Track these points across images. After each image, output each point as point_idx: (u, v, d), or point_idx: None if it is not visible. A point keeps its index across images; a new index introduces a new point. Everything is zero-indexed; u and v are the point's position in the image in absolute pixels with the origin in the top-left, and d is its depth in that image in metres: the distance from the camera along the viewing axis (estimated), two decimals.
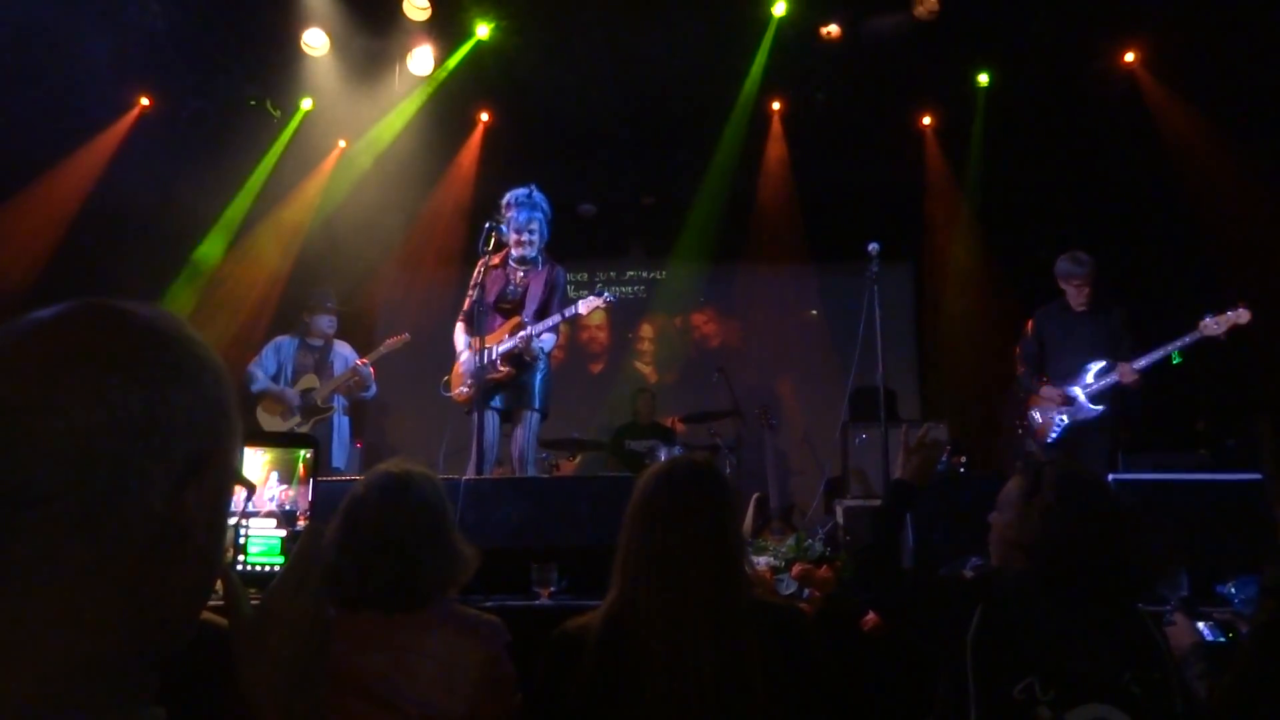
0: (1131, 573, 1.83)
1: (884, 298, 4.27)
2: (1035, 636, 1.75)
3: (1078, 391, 4.80)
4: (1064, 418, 4.82)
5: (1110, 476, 3.53)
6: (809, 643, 1.74)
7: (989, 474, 3.63)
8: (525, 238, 4.68)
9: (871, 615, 2.71)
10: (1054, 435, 4.84)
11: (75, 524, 0.63)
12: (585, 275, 8.52)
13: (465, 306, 4.88)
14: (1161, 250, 6.54)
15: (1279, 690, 1.77)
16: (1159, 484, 3.54)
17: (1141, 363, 4.57)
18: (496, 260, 4.72)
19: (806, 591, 2.96)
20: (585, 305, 4.64)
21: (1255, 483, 3.37)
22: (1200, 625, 2.40)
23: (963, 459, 5.13)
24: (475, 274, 4.75)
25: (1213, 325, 4.39)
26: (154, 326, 0.70)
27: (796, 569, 3.02)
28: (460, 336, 4.87)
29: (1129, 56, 6.53)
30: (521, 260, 4.75)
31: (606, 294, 4.73)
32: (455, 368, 4.88)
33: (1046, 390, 4.86)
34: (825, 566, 3.04)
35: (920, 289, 8.35)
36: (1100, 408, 4.79)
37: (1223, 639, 2.50)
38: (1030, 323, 5.16)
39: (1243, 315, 4.36)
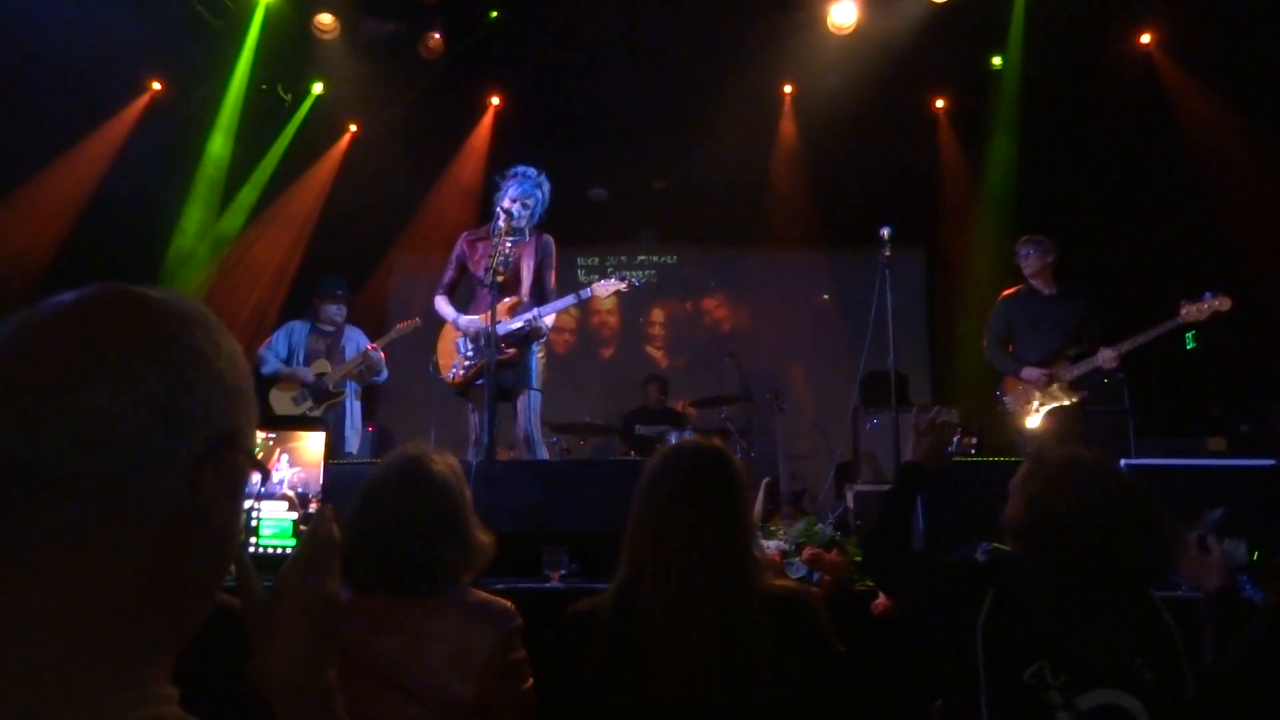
0: (1139, 558, 1.82)
1: (896, 282, 4.24)
2: (1046, 621, 1.74)
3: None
4: (1043, 403, 4.79)
5: (1122, 462, 3.51)
6: (818, 625, 1.73)
7: (1001, 460, 3.60)
8: (518, 208, 4.50)
9: (882, 599, 2.71)
10: (1032, 420, 4.82)
11: (96, 504, 0.64)
12: (596, 260, 8.52)
13: (445, 280, 4.73)
14: (1177, 234, 6.48)
15: None
16: (1172, 469, 3.51)
17: (1123, 348, 4.55)
18: (483, 232, 4.60)
19: (816, 575, 2.96)
20: (602, 289, 4.48)
21: (1269, 469, 3.35)
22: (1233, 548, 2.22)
23: (974, 440, 5.11)
24: (457, 247, 4.69)
25: (1194, 311, 4.38)
26: (173, 310, 0.71)
27: (806, 553, 3.03)
28: (446, 310, 4.69)
29: (1145, 38, 6.47)
30: (510, 231, 4.50)
31: (630, 277, 4.60)
32: (441, 347, 4.73)
33: (1028, 373, 4.79)
34: (835, 550, 3.04)
35: (932, 273, 8.32)
36: (1083, 392, 4.80)
37: (1259, 597, 2.43)
38: (998, 303, 5.13)
39: (1224, 303, 4.35)
